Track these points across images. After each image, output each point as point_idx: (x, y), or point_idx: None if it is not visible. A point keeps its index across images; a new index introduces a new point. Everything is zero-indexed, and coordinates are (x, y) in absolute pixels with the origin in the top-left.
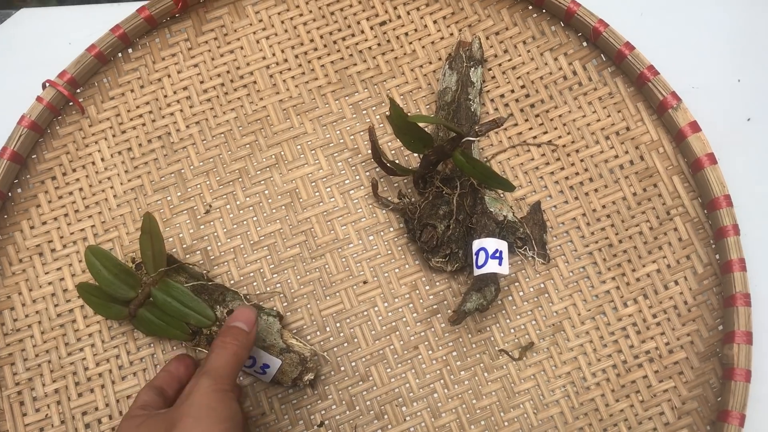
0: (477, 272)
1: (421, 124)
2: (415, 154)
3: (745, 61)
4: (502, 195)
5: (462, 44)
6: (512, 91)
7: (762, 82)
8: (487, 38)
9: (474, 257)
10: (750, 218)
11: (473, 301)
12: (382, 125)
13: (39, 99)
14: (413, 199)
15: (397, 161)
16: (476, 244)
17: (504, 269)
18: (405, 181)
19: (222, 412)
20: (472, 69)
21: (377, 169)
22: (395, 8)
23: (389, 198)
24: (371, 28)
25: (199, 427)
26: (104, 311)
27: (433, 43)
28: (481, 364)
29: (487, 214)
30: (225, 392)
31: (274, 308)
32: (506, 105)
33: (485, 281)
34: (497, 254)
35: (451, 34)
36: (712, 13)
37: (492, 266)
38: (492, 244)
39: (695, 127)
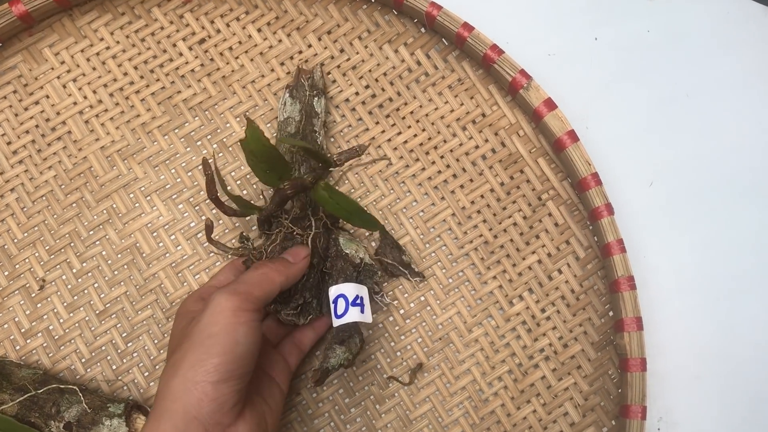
0: (337, 323)
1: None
2: (264, 190)
3: (599, 17)
4: (353, 231)
5: (302, 72)
6: (357, 93)
7: (620, 37)
8: (319, 39)
9: (332, 306)
10: (623, 189)
11: (337, 356)
12: (221, 154)
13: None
14: (257, 243)
15: (245, 193)
16: (333, 291)
17: (367, 317)
18: (248, 219)
19: (225, 339)
20: (316, 99)
21: (214, 210)
22: (212, 22)
23: (229, 242)
24: (190, 49)
25: (194, 355)
26: None
27: (262, 53)
28: (371, 397)
29: (342, 257)
30: (242, 312)
31: (130, 398)
32: (353, 110)
33: (348, 332)
34: (358, 301)
35: (280, 41)
36: None
37: (354, 315)
38: (351, 290)
39: (550, 104)
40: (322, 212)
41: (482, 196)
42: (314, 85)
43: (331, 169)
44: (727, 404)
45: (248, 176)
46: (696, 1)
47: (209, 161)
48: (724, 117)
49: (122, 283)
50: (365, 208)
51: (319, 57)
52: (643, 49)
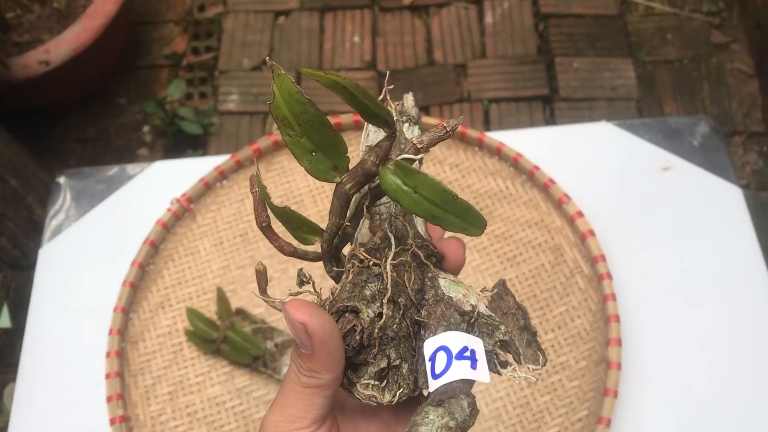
0: (434, 384)
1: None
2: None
3: (616, 177)
4: (455, 280)
5: (389, 100)
6: (467, 199)
7: (637, 185)
8: (450, 169)
9: (428, 365)
10: (623, 263)
11: (431, 423)
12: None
13: (169, 209)
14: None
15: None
16: (430, 345)
17: (482, 374)
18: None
19: None
20: (407, 125)
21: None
22: None
23: (281, 299)
24: None
25: None
26: (200, 346)
27: None
28: None
29: (445, 302)
30: None
31: None
32: None
33: (449, 392)
34: (467, 353)
35: (427, 168)
36: (596, 149)
37: (460, 370)
38: (457, 339)
39: (580, 214)
40: (413, 238)
41: (536, 267)
42: (404, 111)
43: (411, 156)
44: None
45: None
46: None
47: (256, 178)
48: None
49: None
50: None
51: (442, 178)
52: (654, 205)
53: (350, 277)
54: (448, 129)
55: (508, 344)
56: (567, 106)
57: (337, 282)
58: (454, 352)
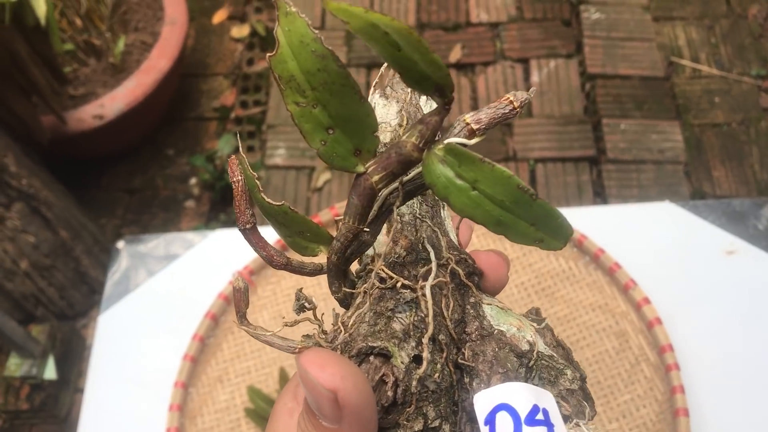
0: None
1: None
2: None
3: (675, 262)
4: (500, 306)
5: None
6: (529, 279)
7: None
8: (511, 246)
9: (484, 430)
10: (691, 352)
11: None
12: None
13: (230, 282)
14: (337, 315)
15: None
16: (485, 401)
17: None
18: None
19: None
20: (425, 98)
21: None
22: None
23: (273, 331)
24: None
25: None
26: (260, 424)
27: None
28: None
29: (495, 338)
30: None
31: None
32: (525, 289)
33: None
34: (540, 416)
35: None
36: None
37: None
38: (522, 394)
39: (647, 300)
40: (447, 249)
41: (600, 353)
42: None
43: (464, 140)
44: None
45: None
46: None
47: (238, 163)
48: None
49: None
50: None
51: (509, 258)
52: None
53: (368, 302)
54: (516, 105)
55: (574, 394)
56: (614, 168)
57: (344, 305)
58: (523, 414)
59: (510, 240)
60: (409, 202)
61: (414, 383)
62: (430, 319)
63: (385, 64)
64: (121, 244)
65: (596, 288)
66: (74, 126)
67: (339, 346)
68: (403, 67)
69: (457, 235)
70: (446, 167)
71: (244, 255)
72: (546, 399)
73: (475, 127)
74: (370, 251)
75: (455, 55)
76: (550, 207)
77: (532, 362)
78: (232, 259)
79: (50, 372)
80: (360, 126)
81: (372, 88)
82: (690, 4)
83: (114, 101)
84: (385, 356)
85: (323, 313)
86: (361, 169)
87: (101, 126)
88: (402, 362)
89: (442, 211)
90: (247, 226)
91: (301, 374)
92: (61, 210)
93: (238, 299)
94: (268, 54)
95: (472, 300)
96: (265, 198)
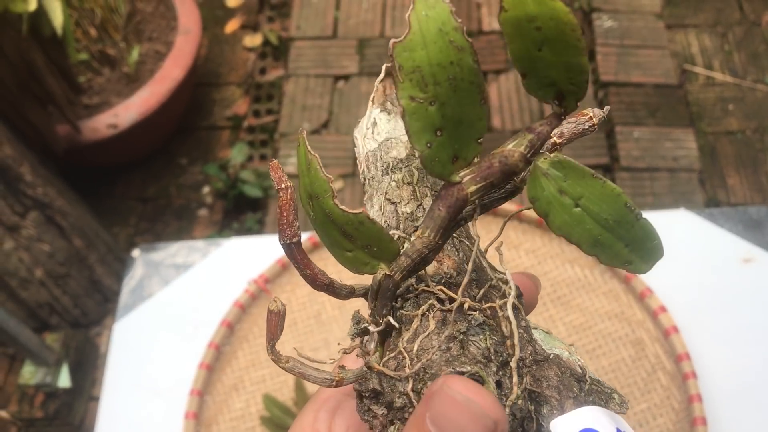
0: None
1: None
2: None
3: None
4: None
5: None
6: (545, 288)
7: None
8: (527, 254)
9: None
10: (708, 361)
11: None
12: None
13: (246, 290)
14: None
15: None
16: (564, 426)
17: None
18: None
19: None
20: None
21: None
22: None
23: (301, 358)
24: None
25: None
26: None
27: None
28: None
29: (554, 363)
30: None
31: None
32: (541, 297)
33: None
34: None
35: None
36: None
37: None
38: (602, 418)
39: (663, 309)
40: (493, 271)
41: (616, 361)
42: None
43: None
44: None
45: None
46: None
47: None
48: None
49: None
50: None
51: (518, 264)
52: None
53: (432, 325)
54: (595, 122)
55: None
56: (628, 176)
57: (383, 333)
58: None
59: (600, 262)
60: None
61: (506, 410)
62: (516, 341)
63: (379, 79)
64: (136, 253)
65: (612, 296)
66: (89, 135)
67: (411, 376)
68: (533, 70)
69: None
70: (550, 181)
71: (258, 263)
72: (623, 424)
73: (558, 141)
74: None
75: None
76: (651, 228)
77: (587, 386)
78: (246, 267)
79: (64, 380)
80: (468, 130)
81: (370, 103)
82: (703, 12)
83: (128, 110)
84: (479, 383)
85: (374, 345)
86: (456, 178)
87: (115, 135)
88: (493, 388)
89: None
90: (294, 240)
91: (449, 399)
92: (76, 219)
93: (273, 325)
94: (393, 40)
95: (523, 324)
96: (339, 205)
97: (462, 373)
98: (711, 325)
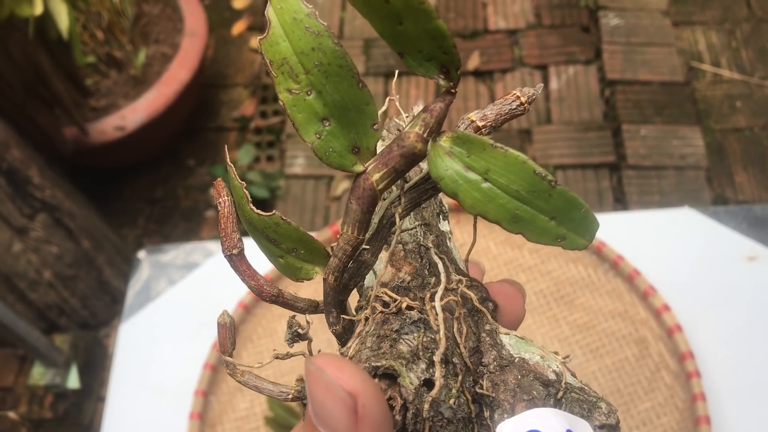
0: None
1: None
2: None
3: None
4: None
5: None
6: (548, 287)
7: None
8: (530, 253)
9: None
10: (712, 359)
11: None
12: None
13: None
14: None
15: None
16: (510, 429)
17: None
18: None
19: None
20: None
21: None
22: None
23: (249, 366)
24: None
25: None
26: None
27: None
28: None
29: (516, 366)
30: None
31: None
32: (544, 296)
33: None
34: None
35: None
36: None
37: None
38: (552, 420)
39: (666, 307)
40: (458, 274)
41: (619, 360)
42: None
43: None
44: None
45: None
46: None
47: (227, 179)
48: None
49: None
50: None
51: (520, 264)
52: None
53: (371, 327)
54: (524, 100)
55: (614, 429)
56: (635, 174)
57: (342, 342)
58: None
59: (529, 240)
60: (412, 231)
61: (426, 406)
62: (441, 334)
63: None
64: (142, 254)
65: (615, 295)
66: (96, 137)
67: None
68: (405, 46)
69: (467, 270)
70: (454, 159)
71: (263, 264)
72: (582, 427)
73: (480, 124)
74: (369, 280)
75: (473, 62)
76: (571, 195)
77: (560, 393)
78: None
79: (73, 381)
80: (358, 116)
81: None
82: (710, 8)
83: (135, 113)
84: (391, 377)
85: (320, 350)
86: (359, 168)
87: (123, 137)
88: (411, 383)
89: (448, 241)
90: (234, 251)
91: (311, 376)
92: (84, 221)
93: (223, 338)
94: (258, 38)
95: (487, 328)
96: (254, 209)
97: (376, 368)
98: (715, 323)
